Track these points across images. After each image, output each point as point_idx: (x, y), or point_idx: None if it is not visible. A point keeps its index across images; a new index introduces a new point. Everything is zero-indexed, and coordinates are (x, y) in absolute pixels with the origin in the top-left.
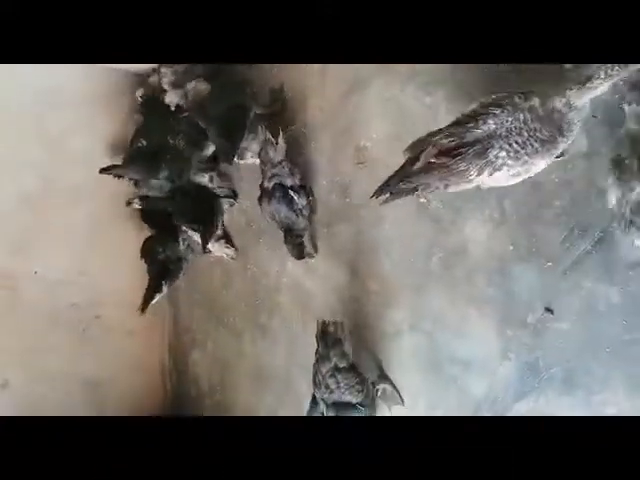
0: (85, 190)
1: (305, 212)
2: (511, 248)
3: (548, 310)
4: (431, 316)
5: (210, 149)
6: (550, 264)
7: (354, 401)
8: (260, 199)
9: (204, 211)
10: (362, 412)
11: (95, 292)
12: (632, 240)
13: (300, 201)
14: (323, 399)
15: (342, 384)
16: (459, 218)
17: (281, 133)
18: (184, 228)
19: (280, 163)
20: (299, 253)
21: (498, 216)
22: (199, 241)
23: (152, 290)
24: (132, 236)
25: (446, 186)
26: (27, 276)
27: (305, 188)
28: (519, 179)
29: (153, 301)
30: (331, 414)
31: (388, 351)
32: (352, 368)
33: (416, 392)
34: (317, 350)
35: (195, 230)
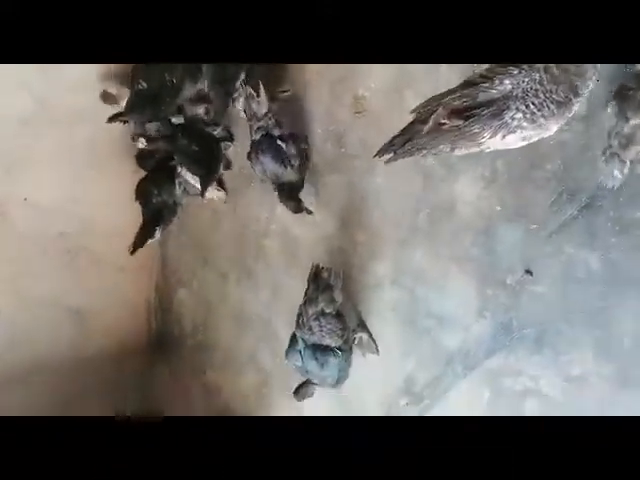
0: (83, 116)
1: (294, 162)
2: (499, 209)
3: (528, 272)
4: (413, 270)
5: (205, 83)
6: (535, 227)
7: (333, 345)
8: (249, 155)
9: (206, 155)
10: (339, 356)
11: (86, 223)
12: (612, 170)
13: (288, 150)
14: (303, 339)
15: (325, 328)
16: (450, 175)
17: (262, 86)
18: (180, 171)
19: (265, 115)
20: (296, 207)
21: (489, 175)
22: (196, 185)
23: (144, 235)
24: (129, 168)
25: (453, 149)
26: (17, 202)
27: (293, 137)
28: (526, 142)
29: (144, 245)
30: (309, 354)
31: (368, 301)
32: (338, 315)
33: (391, 341)
34: (306, 291)
35: (196, 174)
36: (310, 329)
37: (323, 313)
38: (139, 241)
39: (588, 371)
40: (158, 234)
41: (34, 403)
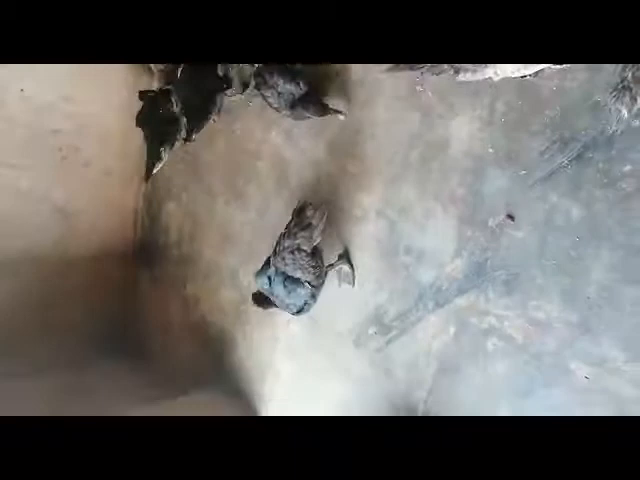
0: None
1: (306, 79)
2: (491, 151)
3: (510, 217)
4: (398, 205)
5: None
6: (524, 172)
7: (303, 279)
8: (258, 86)
9: (200, 103)
10: (307, 289)
11: (81, 124)
12: (619, 109)
13: (296, 67)
14: (276, 266)
15: (298, 263)
16: (449, 113)
17: None
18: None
19: None
20: (322, 109)
21: (487, 117)
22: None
23: (153, 160)
24: (128, 75)
25: (457, 71)
26: (13, 92)
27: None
28: (536, 67)
29: (155, 170)
30: (278, 280)
31: (352, 232)
32: (313, 253)
33: (368, 272)
34: (289, 224)
35: (184, 120)
36: (283, 259)
37: (299, 248)
38: (149, 169)
39: (552, 316)
40: (165, 155)
41: (21, 293)
